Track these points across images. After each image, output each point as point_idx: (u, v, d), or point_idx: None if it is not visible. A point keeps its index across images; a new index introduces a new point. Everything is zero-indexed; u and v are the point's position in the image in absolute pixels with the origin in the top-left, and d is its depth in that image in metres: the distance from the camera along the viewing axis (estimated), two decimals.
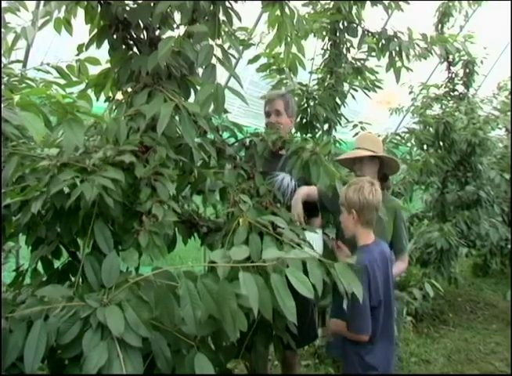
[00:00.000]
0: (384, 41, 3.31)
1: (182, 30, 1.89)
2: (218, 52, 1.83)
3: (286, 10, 2.07)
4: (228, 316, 1.32)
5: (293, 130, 2.87)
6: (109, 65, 2.01)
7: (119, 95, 2.00)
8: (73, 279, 1.75)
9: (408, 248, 2.59)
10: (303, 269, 1.44)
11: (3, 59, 2.09)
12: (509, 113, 5.20)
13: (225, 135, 2.32)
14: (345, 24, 3.42)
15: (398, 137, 4.46)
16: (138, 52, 1.98)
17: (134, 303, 1.35)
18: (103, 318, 1.28)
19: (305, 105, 3.35)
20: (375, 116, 6.02)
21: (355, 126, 3.98)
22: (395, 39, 3.29)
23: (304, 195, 2.36)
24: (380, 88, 3.63)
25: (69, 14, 2.02)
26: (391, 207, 2.20)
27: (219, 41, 1.89)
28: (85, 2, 1.94)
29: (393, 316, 2.01)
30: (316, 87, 3.52)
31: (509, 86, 5.94)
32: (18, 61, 2.57)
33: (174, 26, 1.97)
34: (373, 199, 1.90)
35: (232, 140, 2.34)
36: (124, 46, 1.98)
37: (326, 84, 3.46)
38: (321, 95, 3.38)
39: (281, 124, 2.52)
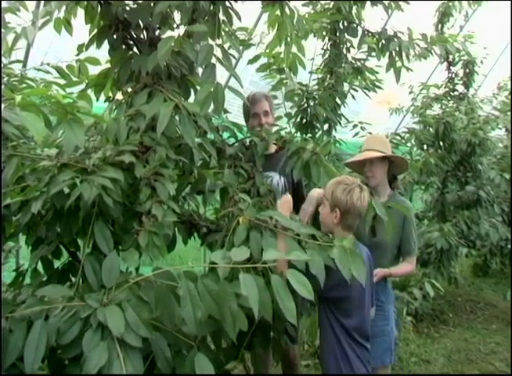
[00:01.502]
0: (384, 41, 3.31)
1: (182, 30, 1.89)
2: (218, 52, 1.83)
3: (286, 10, 2.07)
4: (228, 317, 1.32)
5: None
6: (109, 65, 2.01)
7: (119, 95, 2.00)
8: (73, 279, 1.75)
9: (416, 251, 2.50)
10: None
11: (3, 59, 2.09)
12: (509, 113, 5.20)
13: (225, 135, 2.32)
14: (345, 24, 3.42)
15: (398, 137, 4.47)
16: (138, 52, 1.98)
17: (134, 303, 1.35)
18: (103, 318, 1.28)
19: (305, 105, 3.35)
20: (375, 116, 6.02)
21: (355, 126, 3.99)
22: (395, 39, 3.29)
23: (319, 197, 2.02)
24: (380, 88, 3.63)
25: (69, 14, 2.02)
26: (399, 209, 2.12)
27: (219, 41, 1.89)
28: (85, 2, 1.94)
29: (365, 315, 1.92)
30: (316, 87, 3.52)
31: (509, 86, 5.94)
32: (18, 61, 2.56)
33: (174, 26, 1.97)
34: (360, 205, 1.81)
35: (232, 140, 2.34)
36: (124, 46, 1.98)
37: (326, 84, 3.46)
38: (321, 95, 3.38)
39: (269, 124, 2.49)
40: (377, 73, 3.56)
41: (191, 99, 1.98)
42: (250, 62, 3.06)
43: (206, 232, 2.16)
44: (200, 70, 1.92)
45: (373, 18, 3.60)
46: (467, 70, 5.20)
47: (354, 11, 3.38)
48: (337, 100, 3.47)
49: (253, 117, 2.52)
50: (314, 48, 3.51)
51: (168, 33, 1.94)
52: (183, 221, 2.11)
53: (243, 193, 1.98)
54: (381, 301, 2.33)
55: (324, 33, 3.46)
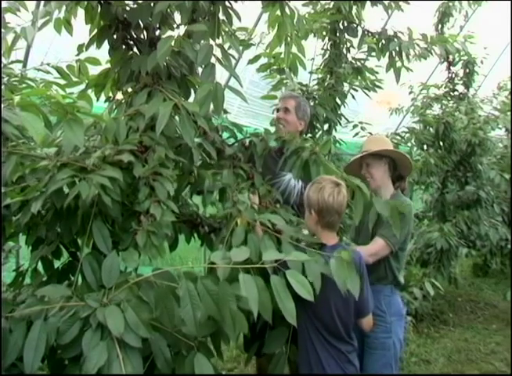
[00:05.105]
0: (383, 41, 3.31)
1: (182, 30, 1.89)
2: (217, 52, 1.83)
3: (286, 10, 2.07)
4: (227, 318, 1.32)
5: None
6: (109, 65, 2.01)
7: (119, 95, 2.00)
8: (73, 279, 1.75)
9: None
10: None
11: (3, 59, 2.09)
12: (509, 113, 5.20)
13: (225, 135, 2.31)
14: (345, 24, 3.42)
15: (398, 137, 4.46)
16: (138, 52, 1.98)
17: (134, 303, 1.35)
18: (103, 318, 1.28)
19: None
20: (375, 116, 6.02)
21: (355, 126, 3.99)
22: (395, 39, 3.29)
23: None
24: (380, 88, 3.63)
25: (69, 14, 2.02)
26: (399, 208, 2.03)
27: (219, 41, 1.89)
28: (85, 2, 1.94)
29: (334, 316, 1.82)
30: (316, 87, 3.52)
31: (509, 86, 5.94)
32: (18, 61, 2.57)
33: (174, 26, 1.97)
34: (332, 202, 1.78)
35: (232, 140, 2.33)
36: (124, 46, 1.98)
37: (326, 84, 3.46)
38: (321, 95, 3.38)
39: (287, 121, 2.53)
40: (377, 73, 3.56)
41: (191, 99, 1.98)
42: (250, 62, 3.06)
43: (207, 231, 2.16)
44: (199, 70, 1.92)
45: (373, 18, 3.61)
46: (467, 70, 5.20)
47: (354, 11, 3.37)
48: (337, 100, 3.47)
49: (277, 111, 2.64)
50: (314, 48, 3.51)
51: (168, 33, 1.94)
52: (184, 221, 2.11)
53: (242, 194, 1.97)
54: (382, 311, 2.17)
55: (324, 33, 3.46)
